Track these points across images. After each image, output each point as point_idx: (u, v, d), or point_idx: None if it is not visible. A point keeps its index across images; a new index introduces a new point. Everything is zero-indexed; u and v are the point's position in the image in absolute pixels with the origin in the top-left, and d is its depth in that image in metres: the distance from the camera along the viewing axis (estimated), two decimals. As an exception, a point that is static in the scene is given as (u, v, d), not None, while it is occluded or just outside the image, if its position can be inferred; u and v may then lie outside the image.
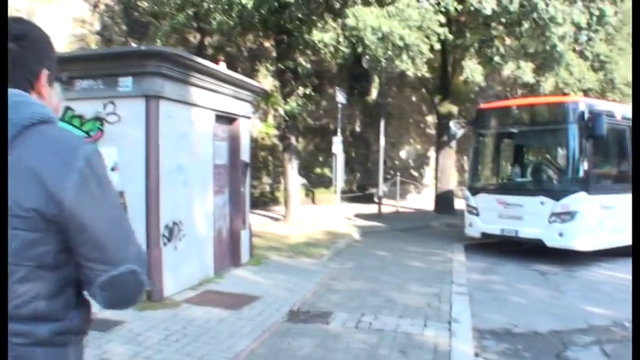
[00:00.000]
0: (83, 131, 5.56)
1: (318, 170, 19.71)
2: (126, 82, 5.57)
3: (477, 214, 10.30)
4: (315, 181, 19.50)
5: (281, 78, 13.12)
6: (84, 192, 1.22)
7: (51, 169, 1.20)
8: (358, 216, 15.11)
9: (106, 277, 1.25)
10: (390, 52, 10.18)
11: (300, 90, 12.63)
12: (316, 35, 10.24)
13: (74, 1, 14.68)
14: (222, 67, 6.82)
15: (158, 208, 5.52)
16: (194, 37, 17.35)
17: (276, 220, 13.77)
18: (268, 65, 12.61)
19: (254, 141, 19.41)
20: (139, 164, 5.39)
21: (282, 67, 12.16)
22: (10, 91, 1.25)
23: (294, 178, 13.30)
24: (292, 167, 13.25)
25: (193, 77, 6.08)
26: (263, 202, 18.28)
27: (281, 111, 12.84)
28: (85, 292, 1.33)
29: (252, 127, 19.05)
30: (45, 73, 1.35)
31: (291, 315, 5.47)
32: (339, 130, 13.04)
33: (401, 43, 9.79)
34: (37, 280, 1.23)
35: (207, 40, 17.75)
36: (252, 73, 18.23)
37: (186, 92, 6.06)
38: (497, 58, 13.47)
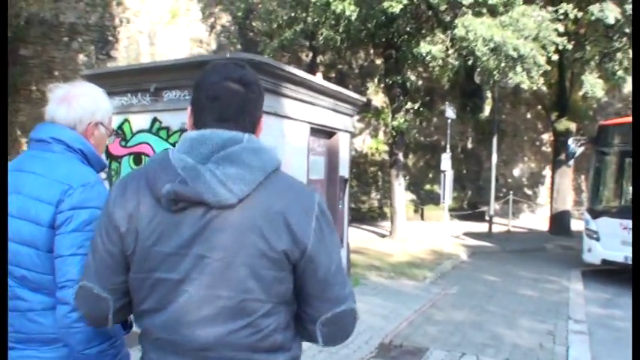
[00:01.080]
0: (169, 143, 5.56)
1: (427, 187, 19.19)
2: (183, 96, 5.57)
3: (598, 239, 9.34)
4: (425, 198, 18.99)
5: (389, 93, 12.86)
6: (319, 238, 1.33)
7: (297, 216, 1.30)
8: (467, 235, 14.41)
9: (330, 314, 1.35)
10: (503, 64, 9.57)
11: (409, 105, 12.31)
12: (424, 47, 9.89)
13: (192, 22, 15.48)
14: (318, 78, 6.69)
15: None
16: (306, 56, 17.62)
17: (382, 236, 13.47)
18: (377, 81, 12.37)
19: (363, 156, 19.42)
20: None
21: (391, 82, 11.90)
22: (245, 135, 1.34)
23: (400, 195, 12.95)
24: (399, 183, 12.91)
25: (285, 88, 5.98)
26: (371, 217, 18.09)
27: (390, 126, 12.58)
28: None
29: (363, 143, 19.05)
30: (262, 119, 1.46)
31: (380, 349, 5.07)
32: (447, 146, 12.52)
33: (515, 54, 9.14)
34: (277, 315, 1.33)
35: (319, 58, 17.95)
36: (362, 89, 18.20)
37: (278, 103, 5.95)
38: (620, 73, 12.30)
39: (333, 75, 18.13)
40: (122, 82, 6.10)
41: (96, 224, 1.44)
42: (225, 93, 1.36)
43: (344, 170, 7.74)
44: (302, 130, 6.51)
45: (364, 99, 8.06)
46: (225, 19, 16.62)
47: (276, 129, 5.95)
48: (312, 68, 17.57)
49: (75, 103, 1.76)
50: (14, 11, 13.25)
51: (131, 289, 1.37)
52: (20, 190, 1.66)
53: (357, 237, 12.82)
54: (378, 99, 17.84)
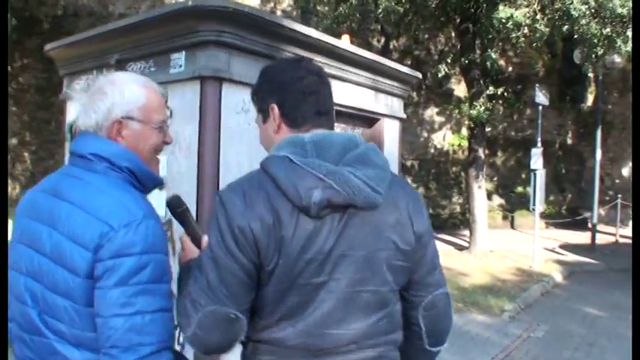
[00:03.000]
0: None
1: (519, 189, 16.61)
2: (178, 60, 3.94)
3: None
4: (516, 202, 16.41)
5: (466, 77, 10.75)
6: (428, 226, 1.43)
7: (415, 209, 1.40)
8: (565, 247, 11.90)
9: (430, 297, 1.43)
10: (607, 30, 7.25)
11: (490, 90, 10.13)
12: (504, 12, 7.74)
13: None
14: (344, 43, 4.89)
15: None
16: (377, 41, 15.78)
17: (461, 248, 11.37)
18: (450, 61, 10.33)
19: (444, 154, 17.22)
20: (190, 178, 3.74)
21: (467, 62, 9.80)
22: (357, 135, 1.47)
23: (480, 199, 10.79)
24: (479, 186, 10.76)
25: (286, 52, 4.26)
26: (452, 224, 15.86)
27: (467, 116, 10.47)
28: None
29: (443, 139, 16.87)
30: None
31: None
32: (538, 138, 10.20)
33: (624, 12, 6.82)
34: (399, 301, 1.43)
35: (393, 44, 16.06)
36: (443, 78, 16.09)
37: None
38: None
39: (409, 62, 16.15)
40: (87, 56, 4.67)
41: (214, 240, 1.29)
42: (316, 89, 1.38)
43: (392, 167, 5.86)
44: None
45: (419, 74, 6.13)
46: (286, 2, 15.27)
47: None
48: (384, 55, 15.77)
49: (88, 107, 1.51)
50: (54, 1, 12.58)
51: (264, 303, 1.32)
52: (55, 224, 1.40)
53: None
54: (462, 89, 15.65)
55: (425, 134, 16.57)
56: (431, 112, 16.52)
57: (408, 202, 1.39)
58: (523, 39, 8.53)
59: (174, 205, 1.61)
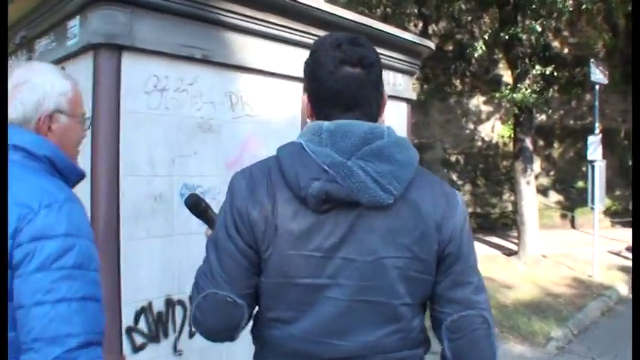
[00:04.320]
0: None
1: (580, 184, 14.82)
2: (73, 29, 2.96)
3: None
4: (576, 199, 14.62)
5: (508, 55, 9.33)
6: (462, 236, 1.26)
7: (446, 215, 1.23)
8: (632, 250, 10.17)
9: (455, 317, 1.24)
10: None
11: (537, 69, 8.67)
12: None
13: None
14: (318, 1, 3.70)
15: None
16: (414, 25, 14.44)
17: (509, 253, 9.94)
18: (487, 37, 8.93)
19: (493, 147, 15.63)
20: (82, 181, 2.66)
21: (507, 37, 8.39)
22: (384, 127, 1.24)
23: (529, 197, 9.35)
24: (527, 181, 9.32)
25: (215, 9, 3.14)
26: (503, 225, 14.31)
27: (511, 101, 9.06)
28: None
29: (492, 131, 15.30)
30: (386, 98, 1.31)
31: None
32: (596, 125, 8.67)
33: None
34: (421, 315, 1.28)
35: (432, 28, 14.68)
36: (489, 63, 14.57)
37: (209, 40, 3.17)
38: None
39: (451, 47, 14.73)
40: None
41: (219, 223, 1.26)
42: (346, 84, 1.22)
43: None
44: (293, 94, 3.58)
45: (431, 44, 4.89)
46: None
47: (206, 87, 3.23)
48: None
49: (14, 99, 1.41)
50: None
51: (262, 296, 1.26)
52: None
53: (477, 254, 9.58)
54: (509, 74, 14.10)
55: (471, 126, 15.08)
56: (477, 102, 15.01)
57: (437, 205, 1.23)
58: (570, 8, 7.08)
59: (194, 204, 1.61)
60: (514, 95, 8.59)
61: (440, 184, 1.28)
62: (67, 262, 1.21)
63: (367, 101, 1.25)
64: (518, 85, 8.71)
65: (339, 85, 1.22)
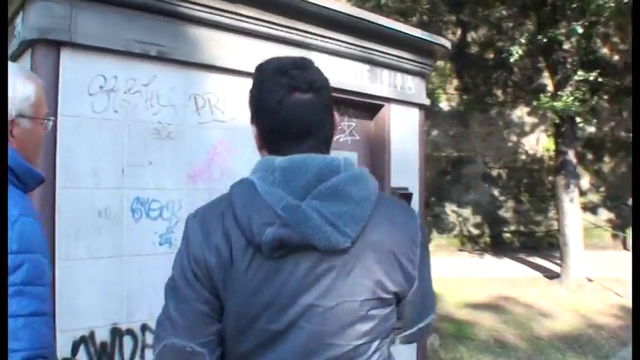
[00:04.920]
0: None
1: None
2: (18, 27, 2.68)
3: None
4: (629, 217, 13.59)
5: (548, 59, 8.66)
6: (423, 266, 1.23)
7: (406, 251, 1.19)
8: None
9: (414, 329, 1.28)
10: None
11: (580, 75, 7.97)
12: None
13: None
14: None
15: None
16: (452, 33, 13.86)
17: (552, 276, 9.19)
18: (524, 41, 8.28)
19: (537, 161, 14.76)
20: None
21: (545, 40, 7.75)
22: (341, 160, 1.17)
23: (573, 215, 8.62)
24: (571, 198, 8.59)
25: (174, 1, 2.76)
26: (549, 244, 13.42)
27: (550, 109, 8.37)
28: None
29: (536, 143, 14.47)
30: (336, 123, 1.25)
31: None
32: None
33: None
34: (382, 348, 1.21)
35: (471, 36, 14.05)
36: (533, 72, 13.81)
37: (168, 35, 2.80)
38: None
39: (492, 56, 14.04)
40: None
41: (175, 269, 1.21)
42: (298, 113, 1.16)
43: (408, 176, 4.16)
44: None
45: (446, 42, 4.41)
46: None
47: (165, 88, 2.87)
48: (461, 50, 13.82)
49: None
50: None
51: (225, 341, 1.19)
52: None
53: (513, 274, 8.93)
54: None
55: (514, 138, 14.27)
56: (520, 113, 14.21)
57: (399, 244, 1.17)
58: (610, 8, 6.44)
59: None
60: (554, 103, 7.92)
61: (401, 215, 1.23)
62: (17, 278, 1.25)
63: (321, 128, 1.20)
64: (559, 93, 8.04)
65: (290, 115, 1.16)
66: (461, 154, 13.51)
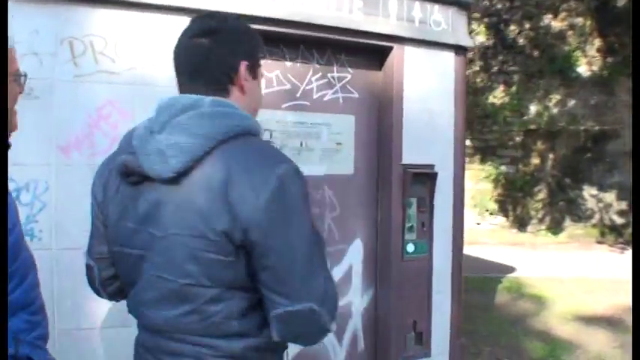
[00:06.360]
0: None
1: None
2: None
3: None
4: None
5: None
6: (271, 217, 1.12)
7: (240, 190, 1.11)
8: None
9: (281, 310, 1.17)
10: None
11: None
12: None
13: None
14: None
15: None
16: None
17: None
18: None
19: None
20: None
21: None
22: (207, 99, 1.18)
23: None
24: None
25: None
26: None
27: None
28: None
29: None
30: (244, 65, 1.25)
31: None
32: None
33: None
34: (228, 301, 1.17)
35: None
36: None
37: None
38: None
39: None
40: None
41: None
42: (186, 51, 1.24)
43: (434, 148, 3.10)
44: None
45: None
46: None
47: (79, 39, 2.18)
48: (604, 5, 11.77)
49: None
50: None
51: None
52: None
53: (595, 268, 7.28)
54: None
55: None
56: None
57: (233, 182, 1.10)
58: None
59: None
60: None
61: (253, 157, 1.14)
62: None
63: (210, 71, 1.23)
64: None
65: (178, 57, 1.25)
66: (604, 127, 11.65)
